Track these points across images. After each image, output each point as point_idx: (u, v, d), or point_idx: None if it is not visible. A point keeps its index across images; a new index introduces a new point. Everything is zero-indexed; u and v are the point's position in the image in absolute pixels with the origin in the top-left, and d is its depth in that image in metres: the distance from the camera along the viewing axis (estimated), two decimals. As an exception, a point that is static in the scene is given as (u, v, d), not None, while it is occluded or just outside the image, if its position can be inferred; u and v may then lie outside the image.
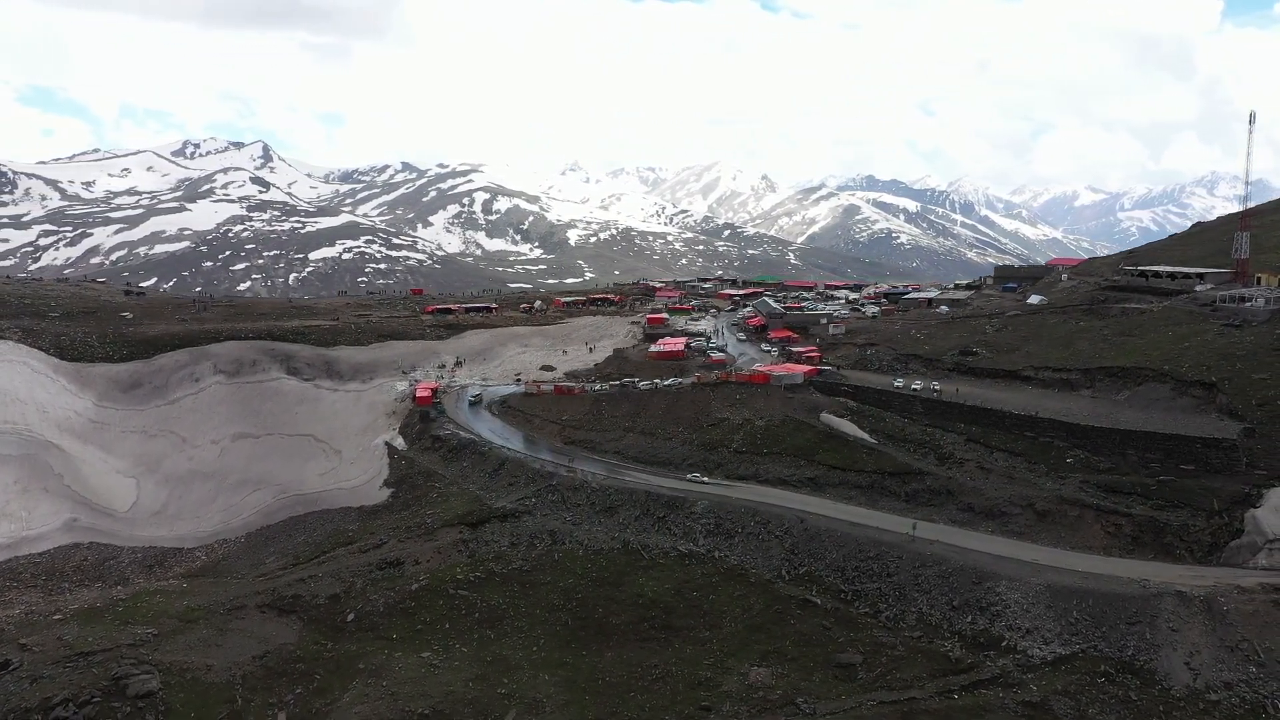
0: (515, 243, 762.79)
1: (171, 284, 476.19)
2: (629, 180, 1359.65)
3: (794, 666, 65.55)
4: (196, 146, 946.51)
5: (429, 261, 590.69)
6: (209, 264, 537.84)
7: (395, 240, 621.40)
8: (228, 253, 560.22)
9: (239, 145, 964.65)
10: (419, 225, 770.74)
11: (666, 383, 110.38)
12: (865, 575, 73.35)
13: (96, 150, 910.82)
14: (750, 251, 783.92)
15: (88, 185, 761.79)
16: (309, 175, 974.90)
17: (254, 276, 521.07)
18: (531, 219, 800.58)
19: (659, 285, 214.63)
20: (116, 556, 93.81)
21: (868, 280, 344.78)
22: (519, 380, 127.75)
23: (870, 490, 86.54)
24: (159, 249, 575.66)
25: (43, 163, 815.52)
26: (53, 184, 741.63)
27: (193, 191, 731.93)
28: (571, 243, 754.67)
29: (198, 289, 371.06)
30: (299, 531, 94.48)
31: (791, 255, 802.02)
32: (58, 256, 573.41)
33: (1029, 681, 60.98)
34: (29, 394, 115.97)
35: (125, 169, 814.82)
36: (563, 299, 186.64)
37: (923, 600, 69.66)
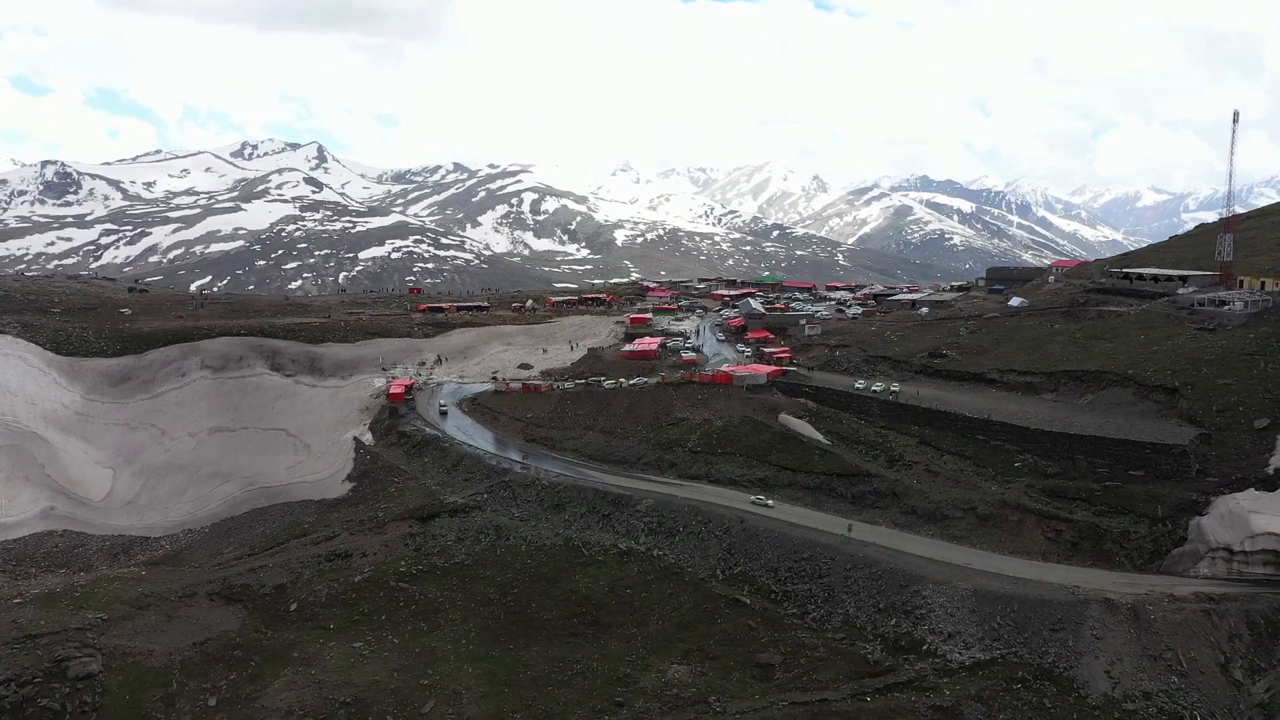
0: (562, 243, 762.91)
1: (225, 282, 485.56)
2: (679, 181, 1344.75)
3: (714, 665, 65.67)
4: (254, 148, 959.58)
5: (476, 261, 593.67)
6: (262, 263, 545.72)
7: (443, 240, 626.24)
8: (280, 252, 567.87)
9: (295, 146, 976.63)
10: (468, 225, 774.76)
11: (631, 382, 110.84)
12: (797, 576, 73.19)
13: (159, 151, 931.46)
14: (799, 252, 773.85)
15: (149, 186, 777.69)
16: (362, 176, 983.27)
17: (305, 275, 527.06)
18: (579, 219, 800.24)
19: (652, 285, 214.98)
20: (86, 544, 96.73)
21: (919, 282, 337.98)
22: (494, 378, 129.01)
23: (818, 492, 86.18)
24: (214, 248, 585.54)
25: (107, 163, 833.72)
26: (115, 184, 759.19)
27: (248, 192, 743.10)
28: (618, 243, 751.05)
29: (250, 287, 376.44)
30: (260, 523, 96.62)
31: (840, 256, 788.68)
32: (118, 255, 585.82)
33: (943, 686, 60.54)
34: (20, 386, 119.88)
35: (185, 170, 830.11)
36: (554, 298, 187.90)
37: (850, 602, 69.39)
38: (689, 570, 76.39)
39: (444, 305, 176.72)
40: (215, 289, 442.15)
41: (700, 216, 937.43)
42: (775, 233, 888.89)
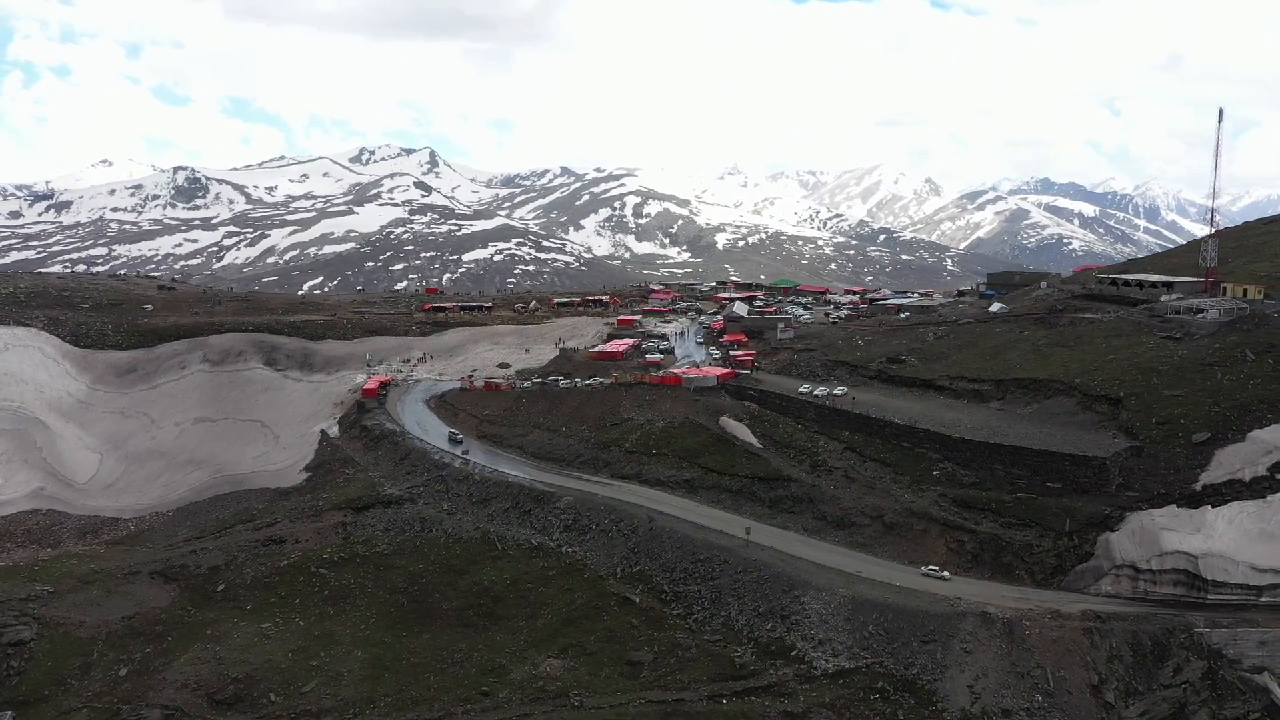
0: (663, 246, 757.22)
1: (336, 283, 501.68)
2: (788, 184, 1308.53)
3: (588, 661, 66.61)
4: (371, 153, 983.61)
5: (576, 264, 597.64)
6: (370, 264, 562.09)
7: (545, 243, 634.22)
8: (388, 253, 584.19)
9: (409, 151, 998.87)
10: (571, 228, 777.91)
11: (586, 382, 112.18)
12: (691, 577, 73.42)
13: (281, 157, 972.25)
14: (904, 257, 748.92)
15: (270, 190, 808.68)
16: (472, 180, 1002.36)
17: (410, 276, 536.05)
18: (680, 222, 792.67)
19: (657, 288, 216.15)
20: (63, 523, 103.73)
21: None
22: (472, 376, 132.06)
23: (738, 495, 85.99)
24: (327, 250, 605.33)
25: (234, 169, 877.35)
26: (239, 189, 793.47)
27: (361, 196, 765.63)
28: (719, 246, 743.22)
29: (359, 288, 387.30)
30: (218, 509, 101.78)
31: (949, 261, 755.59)
32: (238, 256, 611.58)
33: (800, 692, 60.21)
34: (32, 376, 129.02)
35: (304, 174, 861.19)
36: (556, 299, 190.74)
37: (735, 605, 69.34)
38: (591, 567, 77.39)
39: (447, 305, 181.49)
40: (326, 289, 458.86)
41: (804, 220, 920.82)
42: (881, 237, 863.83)
